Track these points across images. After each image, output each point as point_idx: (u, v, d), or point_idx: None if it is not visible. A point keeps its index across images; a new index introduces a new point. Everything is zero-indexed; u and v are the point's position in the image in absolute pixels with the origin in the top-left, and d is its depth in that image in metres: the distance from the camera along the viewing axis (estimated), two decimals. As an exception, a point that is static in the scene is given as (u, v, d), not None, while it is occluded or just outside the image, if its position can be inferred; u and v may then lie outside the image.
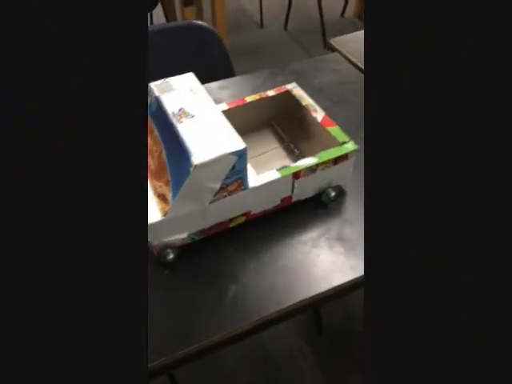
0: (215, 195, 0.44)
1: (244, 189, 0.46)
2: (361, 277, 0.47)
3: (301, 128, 0.59)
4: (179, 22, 0.81)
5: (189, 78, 0.50)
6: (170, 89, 0.49)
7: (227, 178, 0.43)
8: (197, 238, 0.48)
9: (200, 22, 0.80)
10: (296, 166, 0.48)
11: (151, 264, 0.48)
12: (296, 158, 0.58)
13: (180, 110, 0.46)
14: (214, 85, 0.74)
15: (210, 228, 0.48)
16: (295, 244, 0.50)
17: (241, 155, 0.42)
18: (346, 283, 0.46)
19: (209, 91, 0.72)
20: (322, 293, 0.45)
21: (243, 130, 0.60)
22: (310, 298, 0.45)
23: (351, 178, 0.55)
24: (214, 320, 0.43)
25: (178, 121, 0.45)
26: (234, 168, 0.43)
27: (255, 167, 0.56)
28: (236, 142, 0.42)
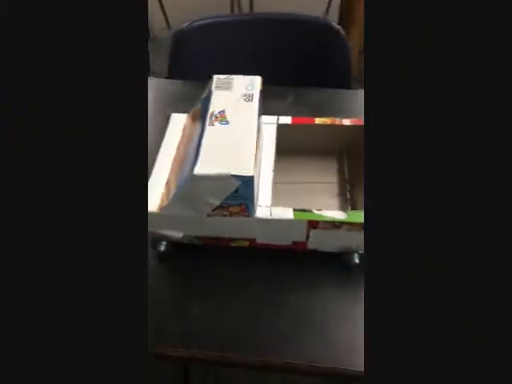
0: (214, 210, 0.41)
1: (248, 215, 0.42)
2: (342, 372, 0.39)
3: (366, 172, 0.50)
4: (309, 16, 0.75)
5: (253, 82, 0.47)
6: (227, 87, 0.46)
7: (228, 198, 0.40)
8: (195, 242, 0.47)
9: (332, 23, 0.74)
10: (314, 214, 0.42)
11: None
12: (344, 202, 0.50)
13: (220, 112, 0.43)
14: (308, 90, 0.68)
15: (210, 238, 0.46)
16: (292, 295, 0.44)
17: (245, 182, 0.38)
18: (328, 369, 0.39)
19: (300, 96, 0.67)
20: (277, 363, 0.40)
21: (306, 150, 0.54)
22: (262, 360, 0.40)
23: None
24: (164, 332, 0.42)
25: (211, 123, 0.42)
26: (238, 192, 0.39)
27: (289, 194, 0.50)
28: (245, 168, 0.38)
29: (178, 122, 0.52)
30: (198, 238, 0.46)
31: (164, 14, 2.05)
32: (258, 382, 0.90)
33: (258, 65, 0.60)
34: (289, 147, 0.53)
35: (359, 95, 0.70)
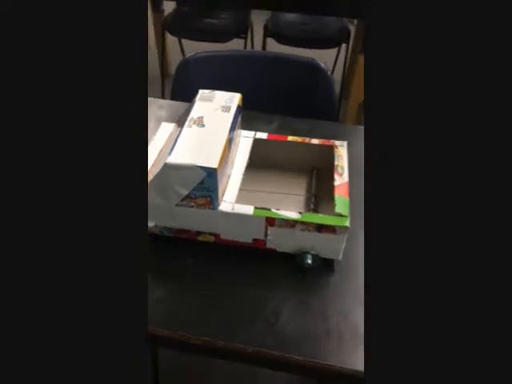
0: (182, 200, 0.46)
1: (213, 208, 0.46)
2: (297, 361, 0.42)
3: (331, 186, 0.55)
4: (302, 57, 0.84)
5: (232, 97, 0.53)
6: (209, 99, 0.53)
7: (195, 189, 0.45)
8: (165, 233, 0.51)
9: (319, 63, 0.82)
10: (272, 212, 0.46)
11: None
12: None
13: (199, 118, 0.49)
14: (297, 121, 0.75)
15: (178, 231, 0.50)
16: (247, 290, 0.48)
17: (210, 173, 0.43)
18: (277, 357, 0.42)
19: (284, 123, 0.73)
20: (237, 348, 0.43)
21: (283, 166, 0.60)
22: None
23: (348, 257, 0.49)
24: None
25: (189, 125, 0.48)
26: (203, 184, 0.44)
27: (255, 200, 0.55)
28: (211, 161, 0.43)
29: (167, 129, 0.58)
30: (167, 229, 0.50)
31: (183, 55, 2.21)
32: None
33: (252, 94, 0.67)
34: (262, 160, 0.59)
35: (338, 126, 0.76)
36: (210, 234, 0.50)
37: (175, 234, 0.51)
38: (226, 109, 0.51)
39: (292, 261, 0.50)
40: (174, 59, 2.30)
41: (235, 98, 0.53)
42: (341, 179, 0.51)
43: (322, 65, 0.81)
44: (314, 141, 0.57)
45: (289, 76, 0.85)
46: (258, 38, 1.93)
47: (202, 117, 0.50)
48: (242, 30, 1.87)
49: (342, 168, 0.52)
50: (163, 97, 2.06)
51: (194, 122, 0.49)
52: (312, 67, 0.83)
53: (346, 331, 0.44)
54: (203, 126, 0.48)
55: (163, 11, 2.06)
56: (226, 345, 0.43)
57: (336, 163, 0.53)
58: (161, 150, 0.54)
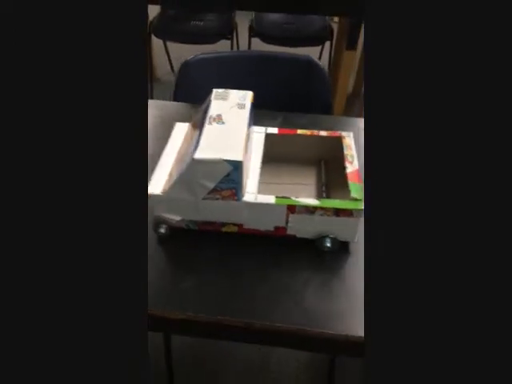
0: (208, 193, 0.49)
1: (237, 200, 0.50)
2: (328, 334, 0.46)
3: (341, 176, 0.59)
4: (298, 54, 0.87)
5: (245, 95, 0.57)
6: (224, 98, 0.56)
7: (221, 182, 0.48)
8: (191, 227, 0.54)
9: (316, 60, 0.86)
10: (293, 200, 0.50)
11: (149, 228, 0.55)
12: (320, 201, 0.58)
13: (218, 115, 0.53)
14: (295, 115, 0.79)
15: (204, 223, 0.53)
16: (275, 268, 0.51)
17: (236, 166, 0.46)
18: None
19: (287, 118, 0.77)
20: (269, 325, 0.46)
21: (289, 158, 0.63)
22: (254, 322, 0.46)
23: (359, 241, 0.53)
24: (161, 299, 0.48)
25: (210, 123, 0.51)
26: (229, 176, 0.47)
27: (273, 191, 0.58)
28: (236, 154, 0.46)
29: (181, 129, 0.61)
30: (193, 222, 0.53)
31: (169, 60, 2.23)
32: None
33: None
34: (275, 154, 0.62)
35: (337, 119, 0.80)
36: (234, 224, 0.53)
37: (200, 227, 0.54)
38: (242, 106, 0.54)
39: (311, 245, 0.54)
40: (160, 62, 2.31)
41: (248, 96, 0.57)
42: (352, 166, 0.55)
43: (318, 61, 0.85)
44: (322, 133, 0.61)
45: (286, 73, 0.88)
46: (244, 39, 1.96)
47: (220, 114, 0.53)
48: (228, 31, 1.90)
49: (352, 156, 0.56)
50: (151, 99, 2.07)
51: (214, 120, 0.52)
52: (308, 64, 0.87)
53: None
54: (223, 123, 0.51)
55: (147, 16, 2.08)
56: (263, 325, 0.46)
57: (345, 152, 0.57)
58: (180, 149, 0.57)
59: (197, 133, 0.53)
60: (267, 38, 1.88)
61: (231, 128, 0.51)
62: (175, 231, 0.54)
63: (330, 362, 1.08)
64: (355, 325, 0.46)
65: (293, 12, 1.82)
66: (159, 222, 0.53)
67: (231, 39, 1.89)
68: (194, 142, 0.51)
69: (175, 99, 0.87)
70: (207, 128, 0.50)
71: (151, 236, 0.55)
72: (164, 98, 0.92)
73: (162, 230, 0.54)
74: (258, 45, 1.89)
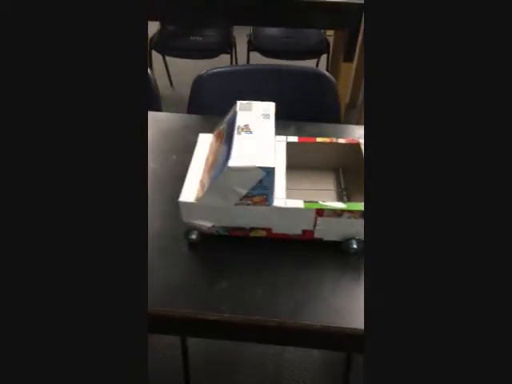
0: (240, 200, 0.51)
1: (268, 205, 0.52)
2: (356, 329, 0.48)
3: (359, 181, 0.62)
4: (306, 67, 0.91)
5: (268, 106, 0.59)
6: (249, 109, 0.59)
7: (253, 189, 0.50)
8: (221, 233, 0.56)
9: (324, 72, 0.89)
10: (321, 204, 0.52)
11: (177, 236, 0.57)
12: (342, 205, 0.61)
13: (245, 125, 0.55)
14: (310, 124, 0.82)
15: (234, 229, 0.55)
16: (304, 270, 0.53)
17: (268, 173, 0.49)
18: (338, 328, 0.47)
19: (299, 127, 0.80)
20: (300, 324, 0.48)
21: (308, 165, 0.66)
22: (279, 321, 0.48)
23: (384, 241, 0.56)
24: (198, 301, 0.50)
25: (239, 133, 0.54)
26: (262, 183, 0.50)
27: (298, 198, 0.61)
28: (268, 161, 0.49)
29: (205, 139, 0.64)
30: (223, 228, 0.55)
31: (169, 76, 2.26)
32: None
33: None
34: (295, 161, 0.65)
35: (346, 128, 0.84)
36: (263, 229, 0.55)
37: (230, 233, 0.56)
38: (266, 116, 0.57)
39: (337, 248, 0.56)
40: (159, 77, 2.35)
41: (271, 107, 0.59)
42: (373, 172, 0.57)
43: (327, 73, 0.89)
44: (341, 140, 0.64)
45: (295, 85, 0.92)
46: (242, 53, 2.01)
47: (247, 124, 0.55)
48: (227, 45, 1.94)
49: (372, 162, 0.59)
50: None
51: (242, 130, 0.54)
52: (315, 75, 0.90)
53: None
54: (251, 132, 0.54)
55: (147, 32, 2.12)
56: (294, 324, 0.48)
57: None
58: (207, 158, 0.60)
59: (225, 142, 0.55)
60: (265, 52, 1.93)
61: (259, 137, 0.53)
62: (205, 237, 0.56)
63: (345, 362, 1.09)
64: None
65: (289, 26, 1.87)
66: (191, 228, 0.55)
67: (231, 53, 1.94)
68: (224, 151, 0.54)
69: (189, 111, 0.90)
70: (237, 137, 0.53)
71: (183, 242, 0.57)
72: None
73: (194, 237, 0.56)
74: (257, 58, 1.94)
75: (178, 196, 0.53)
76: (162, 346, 1.14)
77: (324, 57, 1.99)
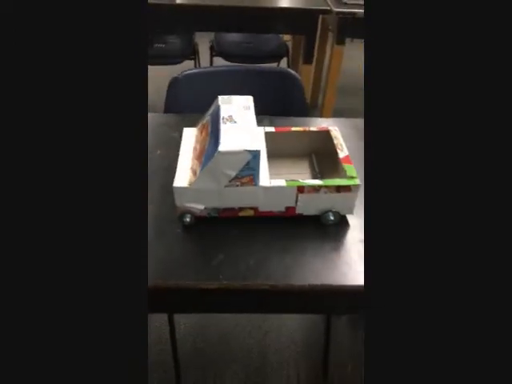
0: (230, 181, 0.57)
1: (255, 185, 0.58)
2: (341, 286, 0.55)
3: (331, 164, 0.69)
4: (273, 67, 0.98)
5: (247, 99, 0.66)
6: (229, 102, 0.65)
7: (242, 170, 0.56)
8: (213, 214, 0.62)
9: (290, 70, 0.97)
10: (302, 182, 0.59)
11: (171, 220, 0.62)
12: (317, 185, 0.68)
13: (229, 116, 0.61)
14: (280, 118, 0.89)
15: (224, 210, 0.61)
16: (289, 242, 0.60)
17: (255, 155, 0.55)
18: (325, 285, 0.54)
19: (272, 121, 0.87)
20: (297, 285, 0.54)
21: (284, 153, 0.73)
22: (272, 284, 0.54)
23: (357, 213, 0.63)
24: (197, 274, 0.55)
25: (224, 122, 0.60)
26: (249, 164, 0.56)
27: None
28: (254, 145, 0.55)
29: (190, 133, 0.69)
30: (215, 209, 0.61)
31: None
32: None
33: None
34: (273, 149, 0.72)
35: (315, 120, 0.92)
36: (250, 208, 0.61)
37: (220, 214, 0.61)
38: (247, 108, 0.64)
39: (316, 221, 0.63)
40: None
41: (250, 100, 0.66)
42: (343, 153, 0.65)
43: (292, 72, 0.97)
44: (313, 128, 0.71)
45: (265, 84, 0.99)
46: (205, 58, 2.07)
47: (231, 115, 0.61)
48: (190, 51, 1.99)
49: (341, 145, 0.67)
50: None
51: (227, 120, 0.60)
52: (282, 75, 0.98)
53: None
54: (235, 122, 0.60)
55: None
56: (284, 285, 0.54)
57: (335, 142, 0.67)
58: (194, 148, 0.65)
59: (211, 132, 0.61)
60: (228, 57, 2.00)
61: (243, 125, 0.59)
62: (198, 220, 0.62)
63: (324, 347, 1.16)
64: (355, 277, 0.55)
65: (250, 31, 1.95)
66: (184, 212, 0.60)
67: (194, 59, 1.99)
68: (211, 139, 0.60)
69: (166, 111, 0.95)
70: (223, 127, 0.59)
71: (177, 225, 0.62)
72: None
73: (188, 219, 0.61)
74: (220, 63, 2.00)
75: (167, 186, 0.58)
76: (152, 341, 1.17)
77: (284, 60, 2.09)
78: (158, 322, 1.22)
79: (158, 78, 1.78)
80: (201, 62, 2.12)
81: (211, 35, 2.05)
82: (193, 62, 1.99)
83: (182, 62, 1.95)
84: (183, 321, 1.23)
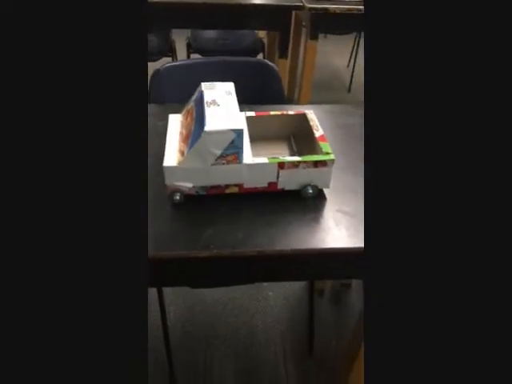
0: (216, 160, 0.62)
1: (239, 162, 0.63)
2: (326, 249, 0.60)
3: (308, 144, 0.75)
4: (251, 58, 1.03)
5: (229, 85, 0.71)
6: (212, 88, 0.69)
7: (226, 149, 0.61)
8: (200, 193, 0.66)
9: (267, 61, 1.02)
10: (282, 159, 0.64)
11: (162, 199, 0.66)
12: (296, 164, 0.73)
13: (212, 100, 0.66)
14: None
15: (211, 188, 0.66)
16: (272, 215, 0.65)
17: (239, 134, 0.60)
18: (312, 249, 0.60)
19: (252, 109, 0.92)
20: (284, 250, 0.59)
21: (264, 137, 0.78)
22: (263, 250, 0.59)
23: (333, 187, 0.69)
24: (189, 246, 0.59)
25: (208, 106, 0.64)
26: (233, 143, 0.61)
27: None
28: (238, 124, 0.60)
29: (175, 119, 0.73)
30: (202, 188, 0.65)
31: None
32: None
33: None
34: (254, 132, 0.77)
35: (291, 107, 0.97)
36: (235, 185, 0.66)
37: (208, 192, 0.66)
38: (229, 93, 0.68)
39: (296, 195, 0.68)
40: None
41: (231, 86, 0.71)
42: (318, 132, 0.71)
43: (270, 63, 1.02)
44: (291, 112, 0.77)
45: (243, 74, 1.04)
46: (182, 55, 2.10)
47: (214, 99, 0.66)
48: (167, 49, 2.02)
49: (317, 126, 0.72)
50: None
51: (211, 103, 0.65)
52: (260, 65, 1.03)
53: (342, 227, 0.63)
54: (218, 105, 0.65)
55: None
56: (271, 250, 0.59)
57: (311, 124, 0.73)
58: (180, 132, 0.69)
59: (196, 116, 0.66)
60: (205, 53, 2.04)
61: (226, 108, 0.64)
62: (187, 199, 0.66)
63: (308, 327, 1.22)
64: (332, 241, 0.61)
65: (225, 28, 2.00)
66: (174, 190, 0.65)
67: (172, 56, 2.02)
68: (197, 122, 0.64)
69: (150, 101, 0.99)
70: (207, 110, 0.64)
71: (168, 204, 0.66)
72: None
73: (177, 197, 0.65)
74: (197, 60, 2.04)
75: (156, 170, 0.62)
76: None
77: (260, 56, 2.14)
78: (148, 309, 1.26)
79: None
80: (178, 58, 2.15)
81: (187, 32, 2.09)
82: (170, 59, 2.02)
83: (159, 59, 1.98)
84: (172, 308, 1.27)
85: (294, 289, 1.35)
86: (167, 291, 1.30)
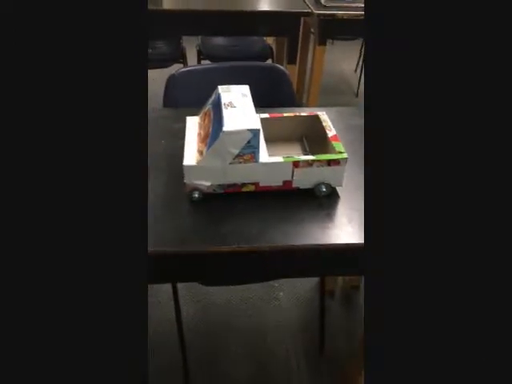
0: (233, 159, 0.65)
1: (255, 161, 0.66)
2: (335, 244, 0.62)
3: (321, 144, 0.77)
4: (263, 63, 1.06)
5: (244, 88, 0.73)
6: (229, 91, 0.72)
7: (244, 148, 0.64)
8: (218, 191, 0.69)
9: (278, 66, 1.05)
10: (297, 158, 0.67)
11: (181, 198, 0.69)
12: (309, 164, 0.76)
13: (229, 102, 0.69)
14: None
15: (228, 186, 0.68)
16: (287, 213, 0.67)
17: (255, 134, 0.62)
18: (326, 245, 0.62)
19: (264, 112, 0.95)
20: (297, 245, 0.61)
21: (278, 138, 0.80)
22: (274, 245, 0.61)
23: (345, 185, 0.72)
24: (207, 242, 0.62)
25: (226, 108, 0.67)
26: (250, 143, 0.63)
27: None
28: (254, 125, 0.63)
29: (193, 121, 0.76)
30: (220, 186, 0.68)
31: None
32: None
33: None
34: (268, 134, 0.79)
35: (303, 110, 1.00)
36: (252, 183, 0.68)
37: (225, 190, 0.69)
38: (245, 95, 0.71)
39: (310, 194, 0.71)
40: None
41: (246, 88, 0.73)
42: (331, 132, 0.73)
43: (281, 67, 1.05)
44: (303, 113, 0.79)
45: (256, 79, 1.06)
46: (193, 61, 2.14)
47: (231, 101, 0.69)
48: (178, 55, 2.06)
49: (330, 126, 0.75)
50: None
51: (228, 105, 0.68)
52: (272, 70, 1.06)
53: (355, 224, 0.65)
54: (235, 107, 0.67)
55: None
56: (287, 246, 0.62)
57: (324, 124, 0.75)
58: (198, 133, 0.72)
59: (214, 118, 0.69)
60: (215, 59, 2.08)
61: (242, 110, 0.67)
62: (206, 197, 0.69)
63: (320, 326, 1.24)
64: (347, 236, 0.63)
65: (235, 35, 2.04)
66: (193, 188, 0.67)
67: (183, 62, 2.06)
68: (215, 123, 0.67)
69: (165, 105, 1.02)
70: (225, 111, 0.66)
71: (187, 202, 0.69)
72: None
73: (196, 195, 0.68)
74: (207, 66, 2.08)
75: (174, 170, 0.65)
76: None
77: (269, 62, 2.18)
78: (163, 306, 1.28)
79: (150, 81, 1.85)
80: (188, 64, 2.20)
81: (198, 39, 2.13)
82: (181, 65, 2.06)
83: (171, 65, 2.02)
84: (185, 308, 1.29)
85: (304, 289, 1.36)
86: (180, 293, 1.33)
